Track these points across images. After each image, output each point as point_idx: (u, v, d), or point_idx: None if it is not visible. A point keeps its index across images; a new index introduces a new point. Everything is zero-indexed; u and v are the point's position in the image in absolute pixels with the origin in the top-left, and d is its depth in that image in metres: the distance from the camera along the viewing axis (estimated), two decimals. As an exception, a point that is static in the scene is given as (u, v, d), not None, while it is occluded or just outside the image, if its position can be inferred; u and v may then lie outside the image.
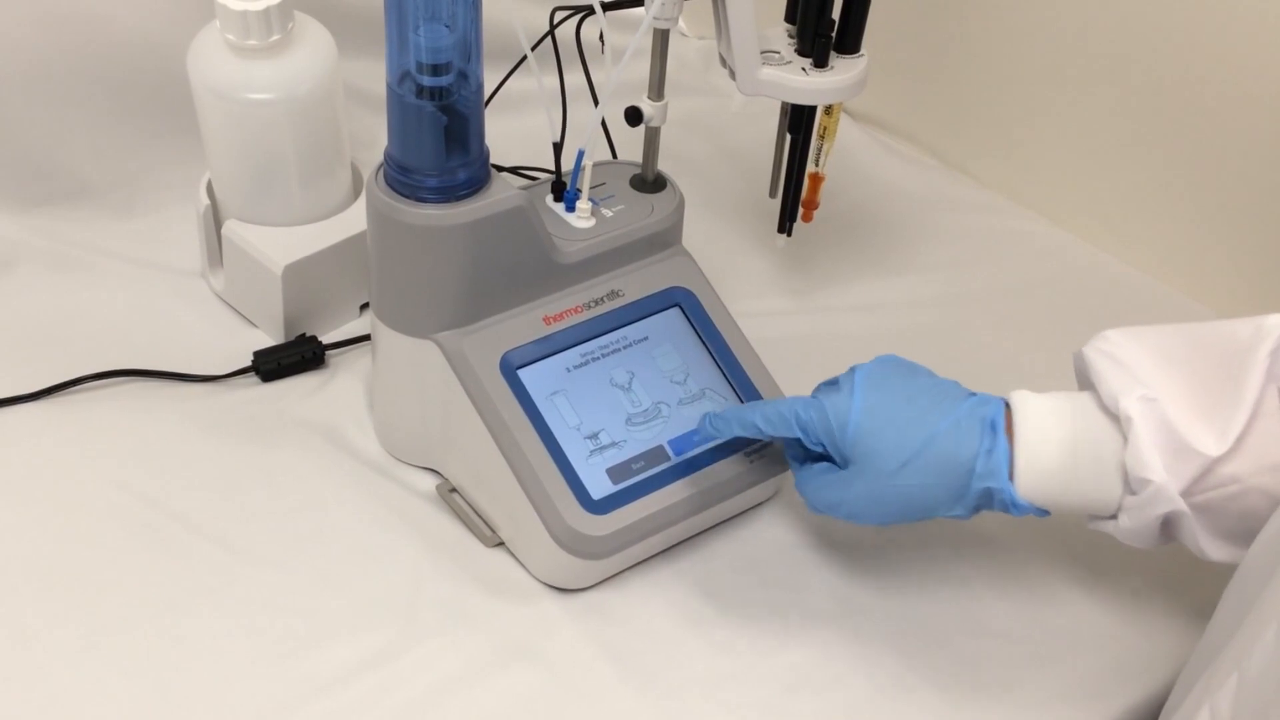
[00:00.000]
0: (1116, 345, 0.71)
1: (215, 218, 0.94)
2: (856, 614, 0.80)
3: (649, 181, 0.87)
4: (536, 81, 0.78)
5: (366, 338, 0.92)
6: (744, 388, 0.83)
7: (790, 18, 0.88)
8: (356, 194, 0.96)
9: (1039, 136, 1.10)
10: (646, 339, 0.83)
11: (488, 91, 0.77)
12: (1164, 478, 0.67)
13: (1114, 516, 0.71)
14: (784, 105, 0.90)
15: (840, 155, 1.02)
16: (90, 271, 0.97)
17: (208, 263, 0.96)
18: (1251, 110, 0.95)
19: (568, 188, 0.83)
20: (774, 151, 0.93)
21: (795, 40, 0.87)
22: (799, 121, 0.90)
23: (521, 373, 0.79)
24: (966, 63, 1.12)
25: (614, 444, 0.79)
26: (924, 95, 1.17)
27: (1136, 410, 0.68)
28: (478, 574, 0.80)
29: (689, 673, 0.76)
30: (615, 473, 0.79)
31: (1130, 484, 0.69)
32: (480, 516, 0.83)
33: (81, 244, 0.99)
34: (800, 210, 0.95)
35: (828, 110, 0.89)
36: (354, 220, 0.93)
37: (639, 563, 0.81)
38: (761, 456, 0.81)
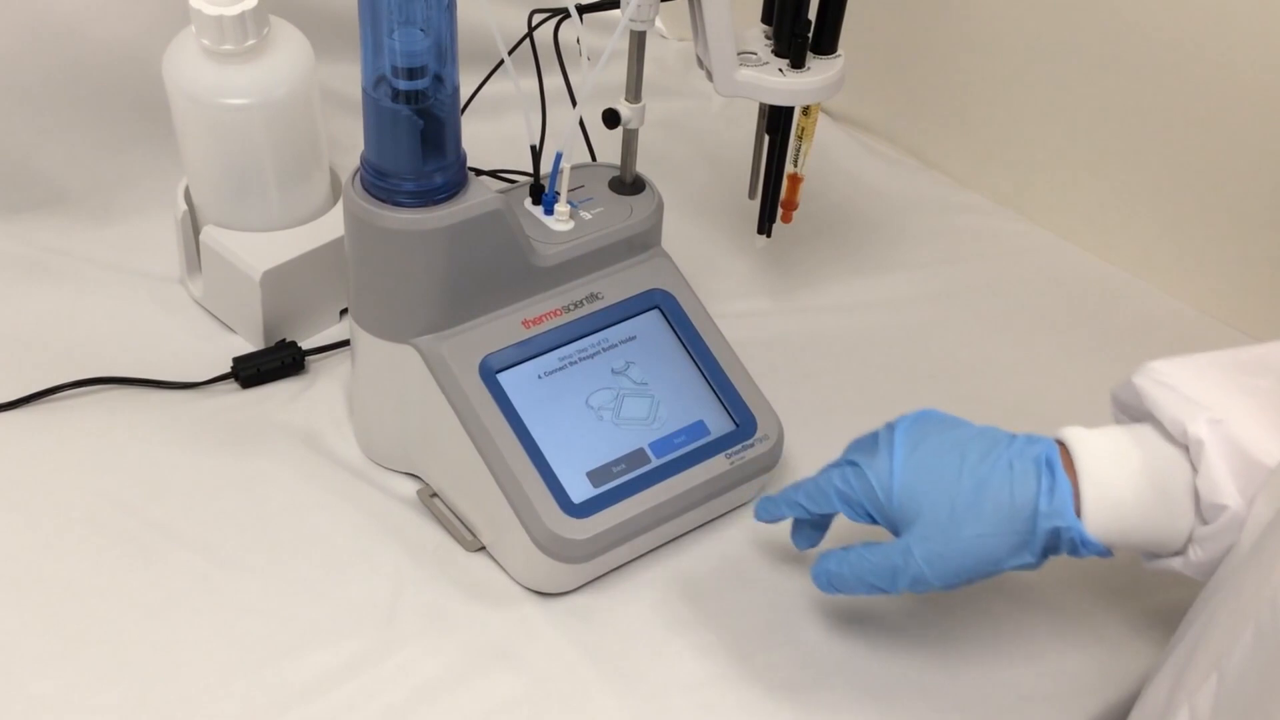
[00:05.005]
0: (1168, 374, 0.69)
1: (193, 223, 0.94)
2: (838, 615, 0.80)
3: (627, 184, 0.86)
4: (514, 84, 0.78)
5: (346, 343, 0.92)
6: (724, 389, 0.83)
7: (767, 19, 0.88)
8: (335, 198, 0.96)
9: (1018, 136, 1.10)
10: (626, 341, 0.83)
11: (466, 95, 0.76)
12: (1239, 503, 0.64)
13: (1180, 552, 0.68)
14: (762, 106, 0.90)
15: (819, 155, 1.02)
16: (68, 278, 0.97)
17: (186, 269, 0.96)
18: (1234, 111, 0.95)
19: (546, 191, 0.83)
20: (752, 152, 0.93)
21: (772, 41, 0.87)
22: (777, 122, 0.90)
23: (501, 377, 0.79)
24: (944, 62, 1.12)
25: (594, 447, 0.79)
26: (902, 95, 1.17)
27: (1206, 434, 0.65)
28: (459, 578, 0.80)
29: (670, 675, 0.76)
30: (596, 476, 0.78)
31: (1203, 512, 0.66)
32: (461, 521, 0.83)
33: (59, 251, 0.98)
34: (780, 211, 0.95)
35: (805, 111, 0.89)
36: (333, 225, 0.92)
37: (620, 566, 0.81)
38: (742, 458, 0.81)
